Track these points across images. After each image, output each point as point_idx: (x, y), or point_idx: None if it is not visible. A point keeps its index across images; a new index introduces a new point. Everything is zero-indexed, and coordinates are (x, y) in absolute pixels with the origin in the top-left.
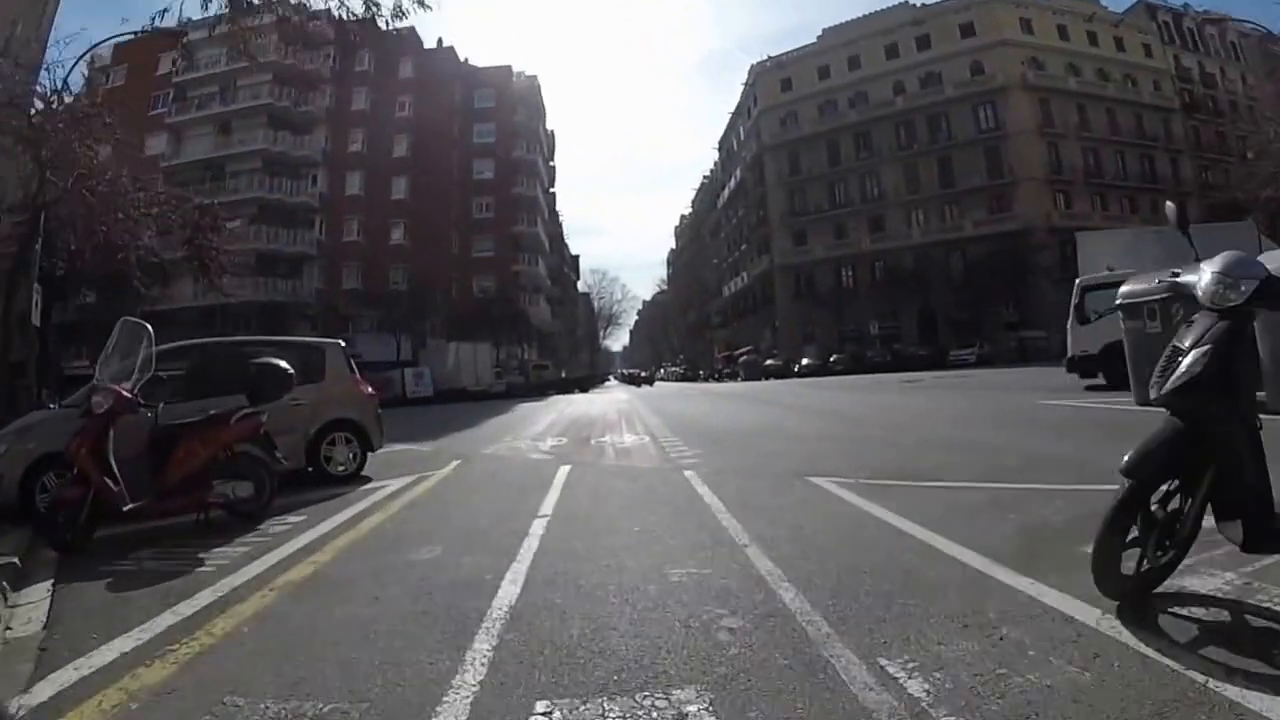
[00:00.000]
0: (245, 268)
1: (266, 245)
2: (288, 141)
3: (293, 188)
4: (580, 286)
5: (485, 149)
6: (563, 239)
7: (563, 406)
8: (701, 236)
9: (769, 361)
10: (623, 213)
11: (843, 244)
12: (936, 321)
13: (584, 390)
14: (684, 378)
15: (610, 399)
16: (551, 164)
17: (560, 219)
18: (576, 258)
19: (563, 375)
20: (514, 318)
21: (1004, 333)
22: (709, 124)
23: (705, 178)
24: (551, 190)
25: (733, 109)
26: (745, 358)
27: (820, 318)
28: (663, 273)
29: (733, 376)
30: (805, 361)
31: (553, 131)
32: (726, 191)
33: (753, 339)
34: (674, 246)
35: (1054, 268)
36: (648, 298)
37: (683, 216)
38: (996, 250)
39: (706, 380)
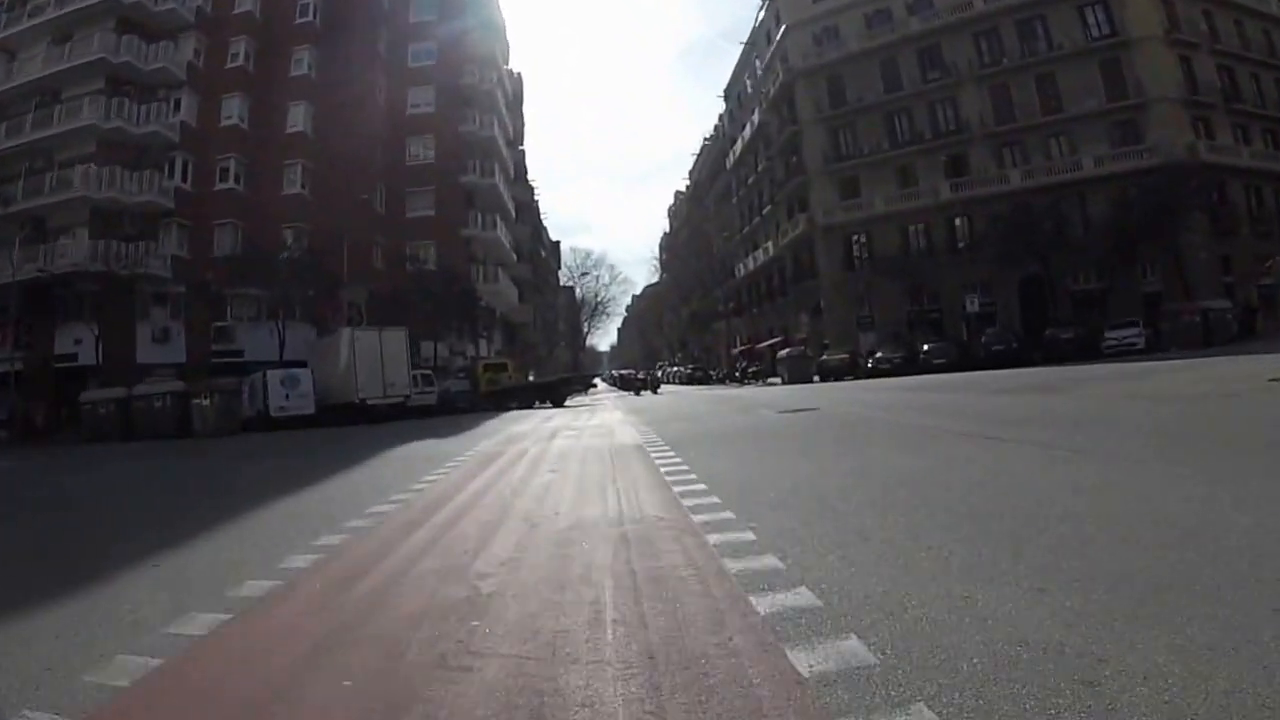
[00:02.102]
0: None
1: (101, 193)
2: (138, 50)
3: (143, 114)
4: (563, 279)
5: (423, 74)
6: (537, 213)
7: (482, 457)
8: (704, 208)
9: (823, 356)
10: (609, 208)
11: (910, 194)
12: (1047, 294)
13: (557, 403)
14: (693, 379)
15: (597, 427)
16: (520, 121)
17: (534, 189)
18: (557, 244)
19: (530, 378)
20: (460, 300)
21: (1142, 305)
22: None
23: (707, 139)
24: (520, 148)
25: (744, 39)
26: (788, 351)
27: (882, 294)
28: (654, 267)
29: (758, 377)
30: (877, 355)
31: (519, 74)
32: (739, 145)
33: (780, 327)
34: (667, 230)
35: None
36: (639, 290)
37: (678, 193)
38: (1132, 195)
39: (723, 383)
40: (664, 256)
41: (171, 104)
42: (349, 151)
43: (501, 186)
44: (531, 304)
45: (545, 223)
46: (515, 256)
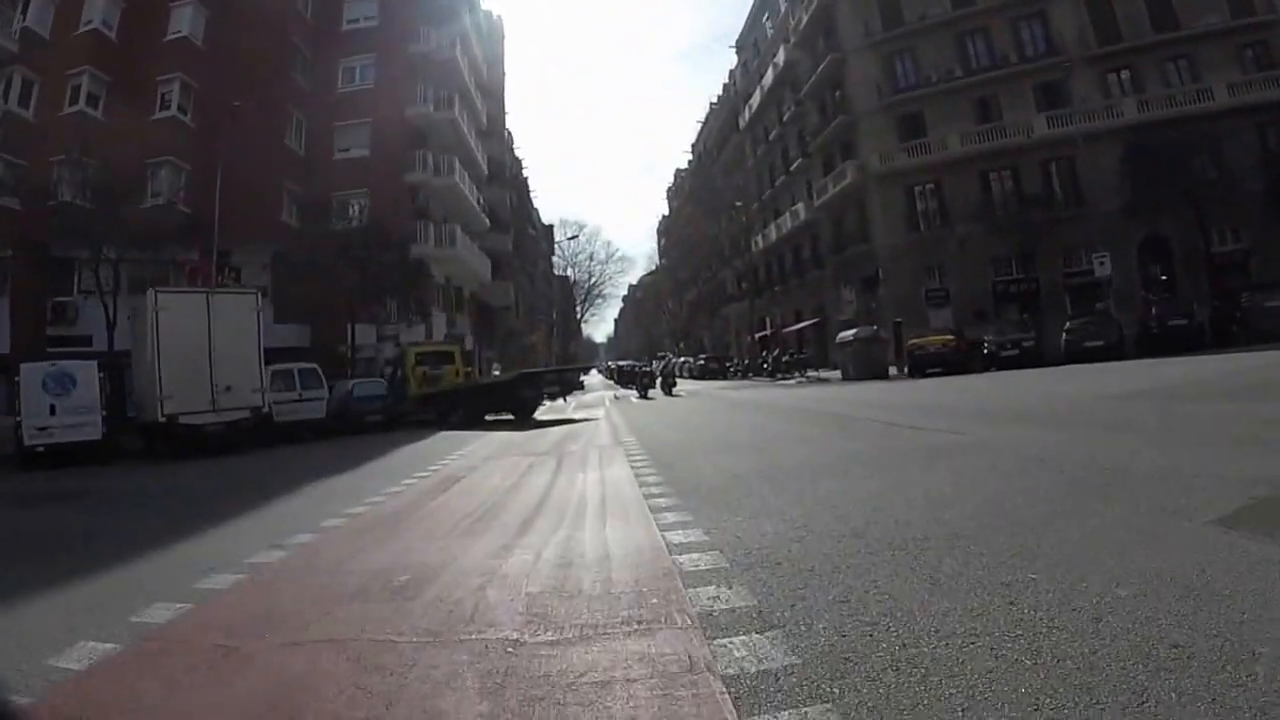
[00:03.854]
0: None
1: None
2: None
3: None
4: (556, 267)
5: None
6: (524, 188)
7: None
8: (710, 180)
9: (914, 340)
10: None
11: (991, 130)
12: (1178, 259)
13: (522, 412)
14: (706, 372)
15: (567, 504)
16: (499, 71)
17: (521, 163)
18: (550, 228)
19: (495, 374)
20: (401, 266)
21: None
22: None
23: (714, 102)
24: (501, 101)
25: None
26: (854, 334)
27: (959, 260)
28: (652, 256)
29: (795, 369)
30: (990, 340)
31: (500, 17)
32: (757, 97)
33: (814, 307)
34: (666, 214)
35: None
36: (637, 271)
37: (678, 171)
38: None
39: (744, 376)
40: (663, 241)
41: (19, 8)
42: (254, 69)
43: (464, 124)
44: (512, 283)
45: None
46: (487, 221)
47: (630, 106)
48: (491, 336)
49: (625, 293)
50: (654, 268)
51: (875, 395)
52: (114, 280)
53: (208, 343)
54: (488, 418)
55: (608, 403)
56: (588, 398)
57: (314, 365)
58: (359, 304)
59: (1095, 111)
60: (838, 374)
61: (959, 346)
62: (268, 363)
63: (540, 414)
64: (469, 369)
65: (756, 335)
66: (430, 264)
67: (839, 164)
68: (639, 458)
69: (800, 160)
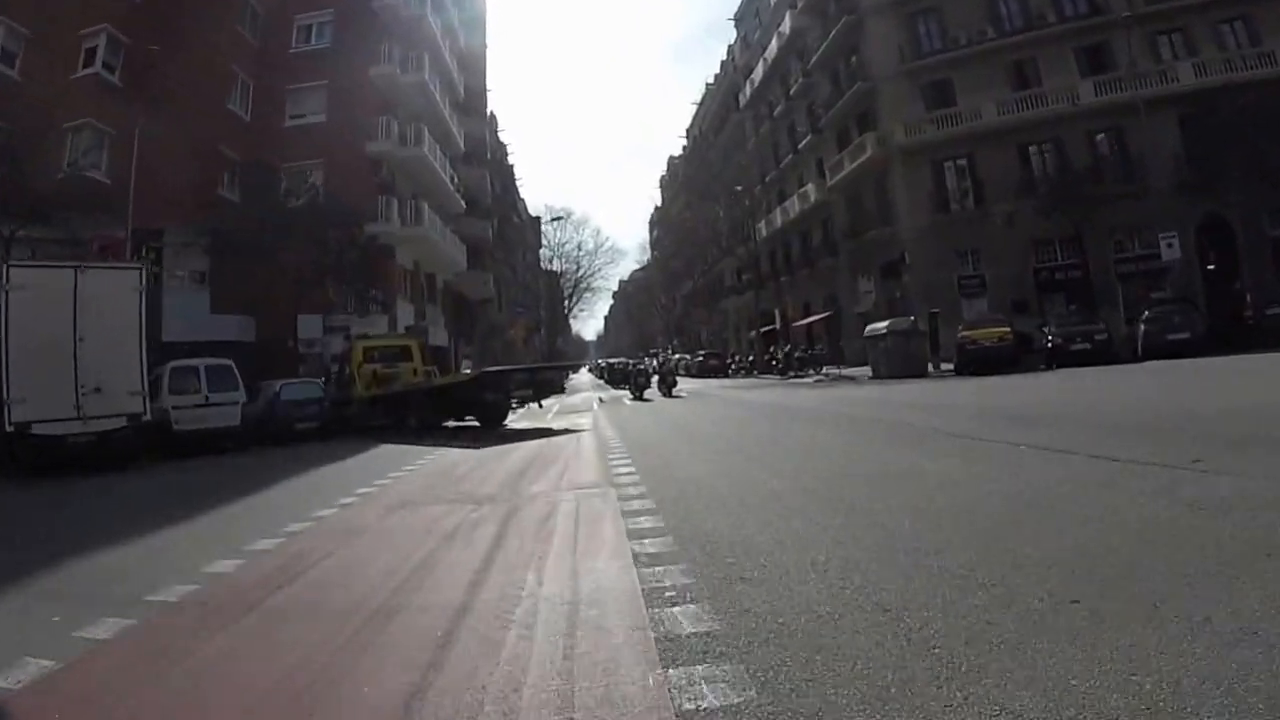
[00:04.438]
0: None
1: None
2: None
3: None
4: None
5: None
6: (506, 168)
7: None
8: (707, 165)
9: (964, 333)
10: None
11: (1031, 97)
12: (1241, 242)
13: (492, 420)
14: (706, 369)
15: None
16: (480, 39)
17: (506, 148)
18: (537, 220)
19: (465, 370)
20: (357, 247)
21: None
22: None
23: (710, 82)
24: (482, 77)
25: None
26: (888, 326)
27: (995, 244)
28: (643, 249)
29: (806, 366)
30: (1054, 332)
31: None
32: (759, 70)
33: (826, 297)
34: (659, 204)
35: None
36: (629, 264)
37: (671, 159)
38: None
39: (748, 374)
40: (655, 233)
41: None
42: (191, 21)
43: (435, 91)
44: (492, 274)
45: (526, 209)
46: (463, 203)
47: (621, 98)
48: (470, 332)
49: (615, 288)
50: (646, 262)
51: (931, 397)
52: (4, 255)
53: (73, 332)
54: (451, 423)
55: (596, 406)
56: (575, 399)
57: (228, 361)
58: (310, 290)
59: (1147, 77)
60: (861, 371)
61: (1017, 342)
62: (185, 356)
63: (517, 419)
64: (432, 367)
65: (761, 330)
66: (395, 246)
67: (855, 138)
68: (645, 518)
69: (810, 137)
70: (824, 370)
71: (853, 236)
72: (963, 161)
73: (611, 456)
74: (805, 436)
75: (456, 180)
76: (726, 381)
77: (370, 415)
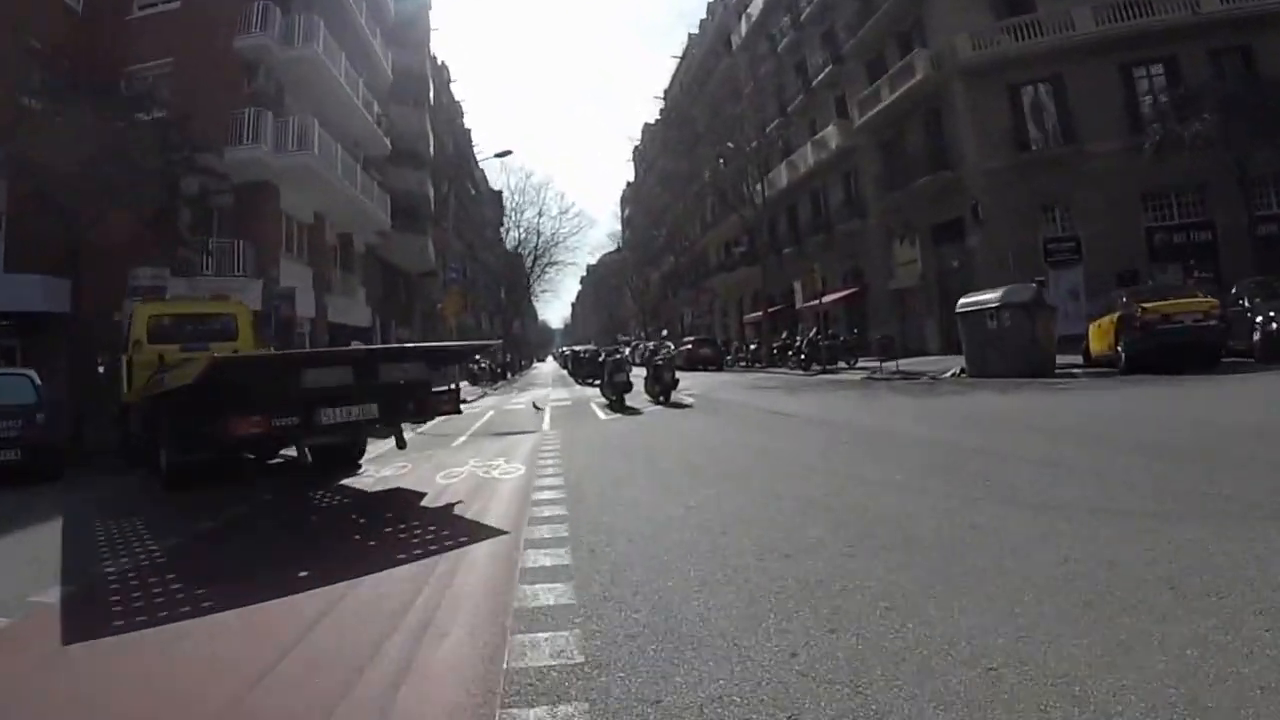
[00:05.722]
0: None
1: None
2: None
3: None
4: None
5: None
6: (460, 129)
7: None
8: (689, 123)
9: (1142, 306)
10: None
11: (1136, 3)
12: None
13: (303, 449)
14: (696, 360)
15: None
16: None
17: (461, 106)
18: (499, 194)
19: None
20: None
21: None
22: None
23: (694, 32)
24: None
25: None
26: (1001, 297)
27: (1093, 196)
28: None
29: (837, 357)
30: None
31: None
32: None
33: (848, 271)
34: (630, 180)
35: None
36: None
37: (646, 127)
38: None
39: (748, 366)
40: (628, 210)
41: None
42: None
43: None
44: (431, 240)
45: (486, 181)
46: (388, 143)
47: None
48: (407, 313)
49: (584, 270)
50: (617, 244)
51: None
52: None
53: None
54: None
55: (546, 423)
56: (516, 405)
57: None
58: (151, 244)
59: None
60: (927, 363)
61: (1219, 318)
62: None
63: (381, 458)
64: (268, 349)
65: (770, 310)
66: (279, 187)
67: (894, 63)
68: None
69: (829, 69)
70: (851, 362)
71: (888, 190)
72: (1046, 86)
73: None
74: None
75: (380, 115)
76: (728, 377)
77: (142, 434)
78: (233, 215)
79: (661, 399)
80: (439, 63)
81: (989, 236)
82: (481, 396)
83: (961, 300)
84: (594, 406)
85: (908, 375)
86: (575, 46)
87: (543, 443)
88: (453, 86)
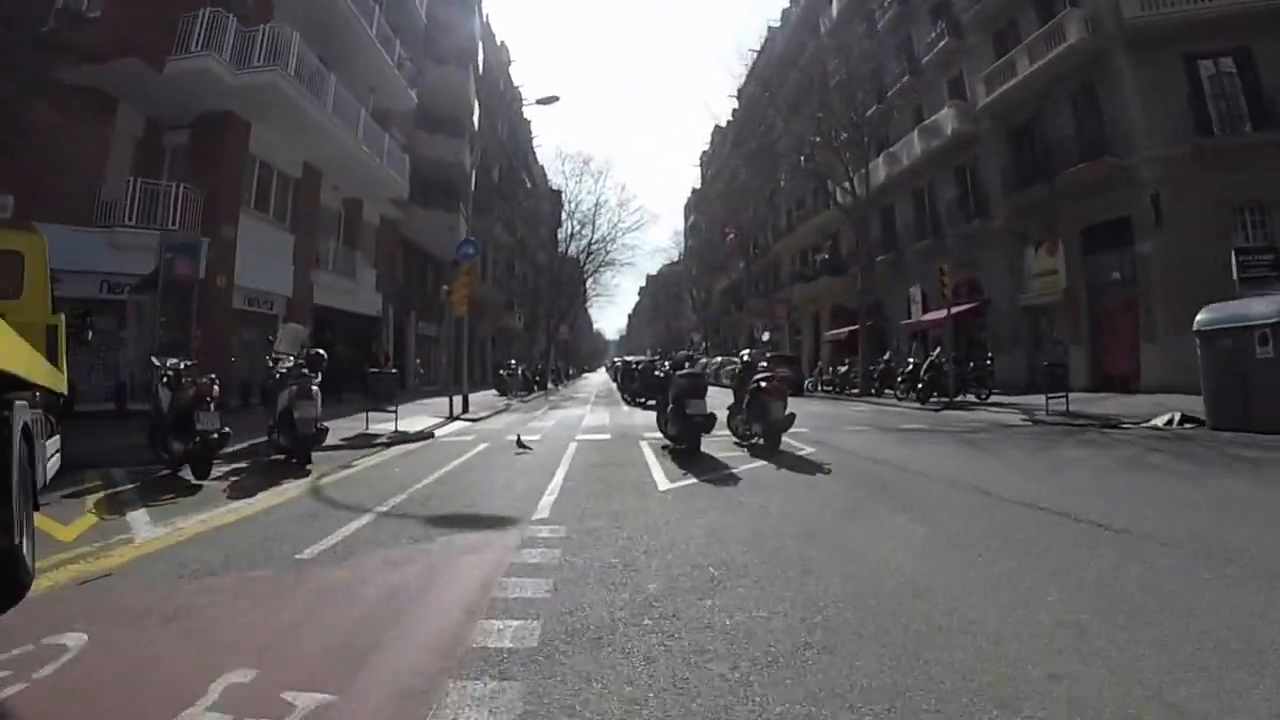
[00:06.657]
0: None
1: None
2: None
3: None
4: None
5: None
6: (519, 115)
7: None
8: (767, 120)
9: None
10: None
11: None
12: None
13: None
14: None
15: None
16: None
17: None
18: (558, 193)
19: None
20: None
21: None
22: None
23: (775, 22)
24: None
25: None
26: None
27: None
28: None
29: (966, 387)
30: None
31: None
32: None
33: (965, 282)
34: (696, 186)
35: None
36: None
37: (717, 128)
38: None
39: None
40: (692, 219)
41: None
42: None
43: None
44: (464, 219)
45: (543, 177)
46: (412, 94)
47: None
48: (436, 306)
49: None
50: (679, 254)
51: None
52: None
53: None
54: None
55: (548, 496)
56: (536, 432)
57: None
58: (78, 182)
59: None
60: (1093, 402)
61: None
62: None
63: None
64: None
65: (864, 325)
66: (246, 118)
67: (1028, 34)
68: None
69: (944, 43)
70: (1048, 401)
71: (1022, 185)
72: (1228, 59)
73: None
74: None
75: (403, 58)
76: (820, 407)
77: None
78: (185, 156)
79: (757, 441)
80: (498, 42)
81: (1168, 242)
82: (494, 414)
83: (1202, 314)
84: (645, 449)
85: (1103, 422)
86: (646, 48)
87: (507, 589)
88: (511, 70)
